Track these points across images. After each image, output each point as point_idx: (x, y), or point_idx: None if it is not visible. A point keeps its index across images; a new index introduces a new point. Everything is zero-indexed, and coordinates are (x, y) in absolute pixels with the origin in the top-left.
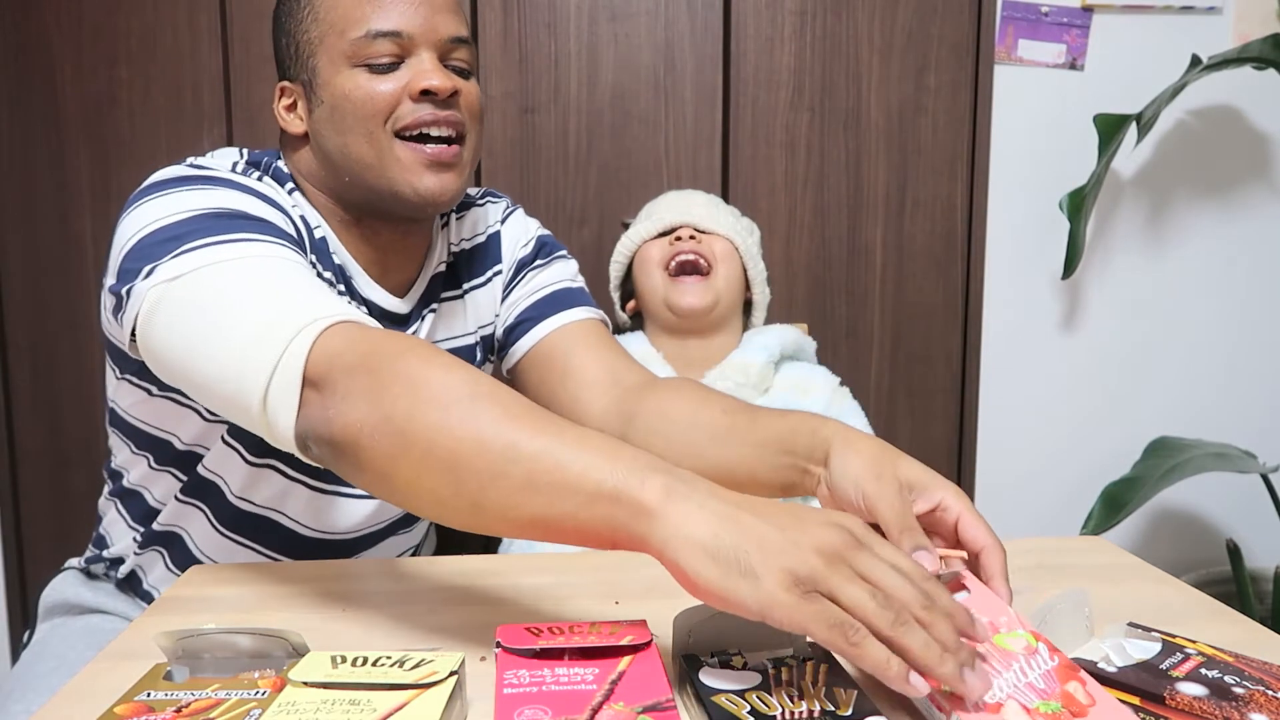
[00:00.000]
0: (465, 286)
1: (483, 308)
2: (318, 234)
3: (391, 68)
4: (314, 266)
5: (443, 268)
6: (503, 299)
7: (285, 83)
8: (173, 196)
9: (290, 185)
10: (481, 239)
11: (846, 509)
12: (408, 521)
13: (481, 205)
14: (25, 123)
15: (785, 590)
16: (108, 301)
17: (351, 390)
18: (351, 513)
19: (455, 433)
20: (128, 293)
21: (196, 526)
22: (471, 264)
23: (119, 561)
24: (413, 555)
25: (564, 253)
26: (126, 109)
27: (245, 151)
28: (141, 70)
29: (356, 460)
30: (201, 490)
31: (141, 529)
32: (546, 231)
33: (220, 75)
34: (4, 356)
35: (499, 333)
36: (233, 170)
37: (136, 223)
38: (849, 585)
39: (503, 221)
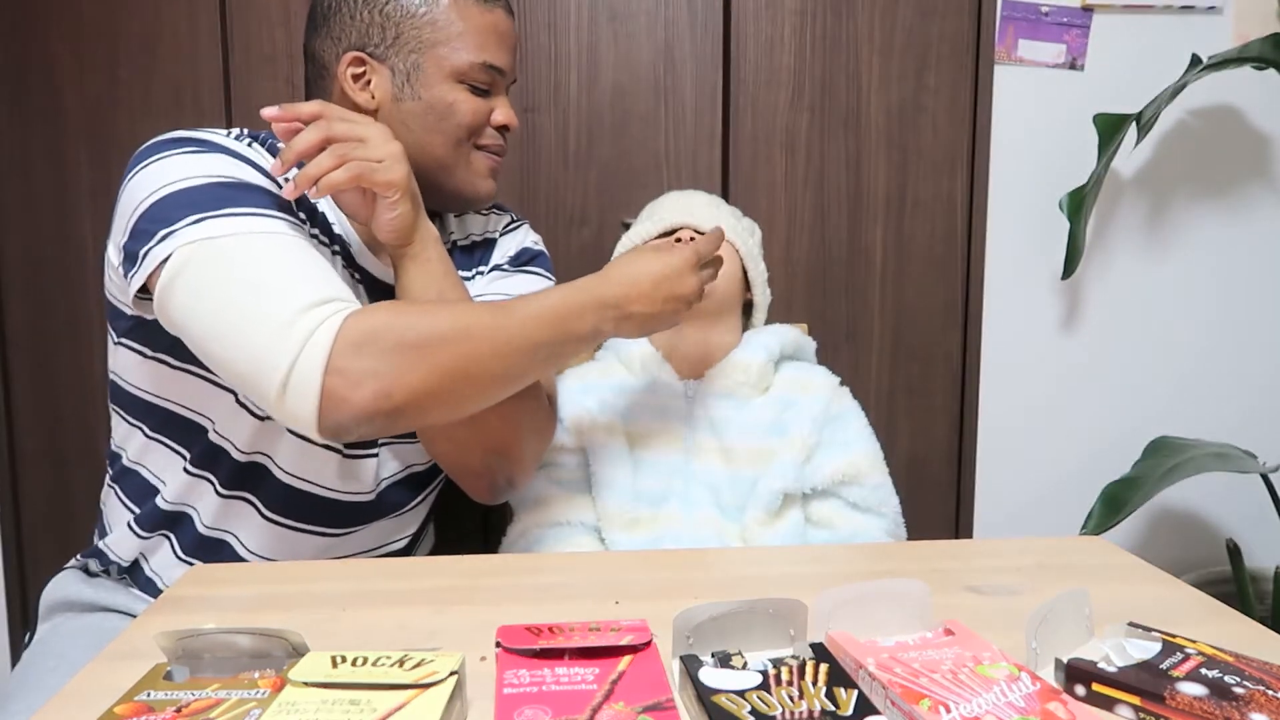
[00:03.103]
0: None
1: None
2: (317, 205)
3: (484, 93)
4: (305, 224)
5: None
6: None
7: (361, 54)
8: (179, 159)
9: None
10: (478, 239)
11: None
12: (406, 497)
13: (485, 214)
14: (25, 123)
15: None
16: (114, 258)
17: (401, 364)
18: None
19: (499, 351)
20: (144, 254)
21: (206, 500)
22: (460, 259)
23: (118, 555)
24: (410, 550)
25: (541, 270)
26: (126, 109)
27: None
28: (141, 70)
29: (421, 415)
30: (211, 459)
31: (138, 509)
32: (540, 247)
33: (220, 75)
34: (4, 356)
35: None
36: (227, 137)
37: (148, 183)
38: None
39: (502, 232)
